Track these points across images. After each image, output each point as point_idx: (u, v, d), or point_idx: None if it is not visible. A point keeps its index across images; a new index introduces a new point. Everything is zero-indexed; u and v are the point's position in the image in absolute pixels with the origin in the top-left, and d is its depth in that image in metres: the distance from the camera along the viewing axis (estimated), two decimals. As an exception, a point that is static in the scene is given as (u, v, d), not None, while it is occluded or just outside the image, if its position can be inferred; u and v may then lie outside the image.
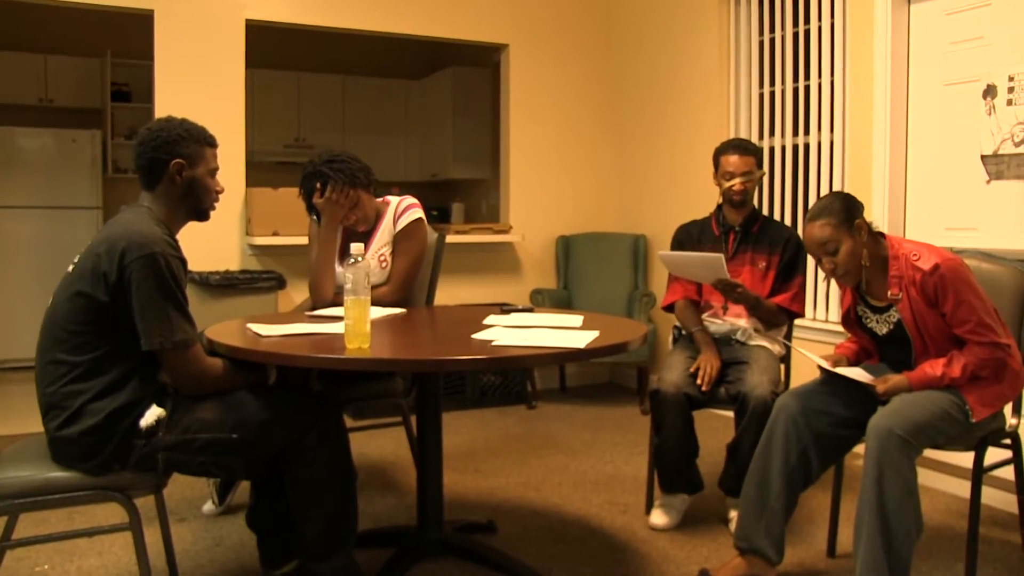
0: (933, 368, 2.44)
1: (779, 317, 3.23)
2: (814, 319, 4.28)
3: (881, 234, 2.58)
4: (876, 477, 2.27)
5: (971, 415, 2.40)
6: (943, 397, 2.40)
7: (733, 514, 3.09)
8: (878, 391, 2.47)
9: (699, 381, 3.06)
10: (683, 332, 3.38)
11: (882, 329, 2.62)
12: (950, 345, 2.47)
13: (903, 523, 2.25)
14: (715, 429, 3.12)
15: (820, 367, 2.65)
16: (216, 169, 2.39)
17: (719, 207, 3.36)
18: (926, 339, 2.50)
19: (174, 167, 2.28)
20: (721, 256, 2.96)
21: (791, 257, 3.26)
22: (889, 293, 2.51)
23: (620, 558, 2.89)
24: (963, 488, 3.26)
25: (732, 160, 3.24)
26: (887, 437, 2.27)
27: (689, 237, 3.40)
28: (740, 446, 2.97)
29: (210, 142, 2.37)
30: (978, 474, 2.48)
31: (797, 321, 3.54)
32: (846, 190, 4.10)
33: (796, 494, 2.57)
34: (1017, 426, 2.65)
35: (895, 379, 2.48)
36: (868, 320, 2.66)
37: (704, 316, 3.32)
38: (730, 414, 3.08)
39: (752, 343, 3.21)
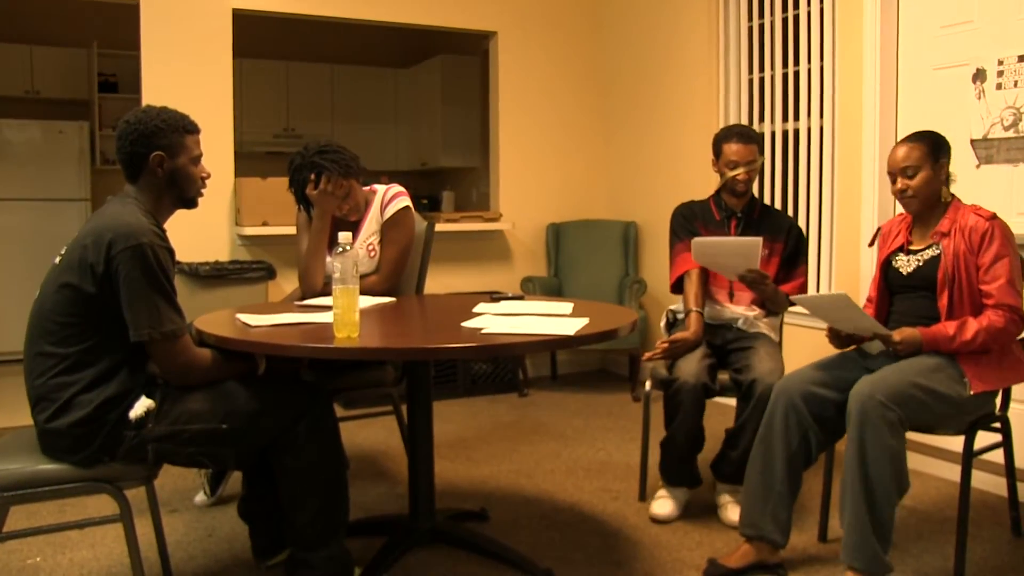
0: (946, 328, 2.47)
1: (786, 305, 3.22)
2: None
3: (953, 195, 2.64)
4: (857, 441, 2.31)
5: (969, 386, 2.42)
6: (937, 372, 2.42)
7: (723, 499, 3.10)
8: (894, 340, 2.49)
9: (652, 353, 3.05)
10: (677, 317, 3.35)
11: (910, 267, 2.63)
12: (971, 307, 2.50)
13: (883, 486, 2.29)
14: (705, 418, 3.13)
15: (830, 330, 2.67)
16: (199, 156, 2.36)
17: (718, 193, 3.31)
18: (954, 283, 2.50)
19: (154, 160, 2.26)
20: (759, 240, 2.86)
21: (794, 246, 3.24)
22: (939, 230, 2.56)
23: (612, 544, 2.90)
24: (953, 472, 3.28)
25: (735, 148, 3.16)
26: (867, 401, 2.31)
27: (692, 214, 3.32)
28: (743, 432, 2.94)
29: (190, 129, 2.33)
30: (968, 458, 2.50)
31: (796, 308, 3.52)
32: (837, 175, 4.11)
33: (799, 475, 2.59)
34: (1006, 411, 2.66)
35: (909, 331, 2.50)
36: (898, 261, 2.68)
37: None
38: (723, 402, 3.08)
39: (753, 330, 3.20)
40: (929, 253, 2.59)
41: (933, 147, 2.59)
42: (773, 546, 2.59)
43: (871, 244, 2.87)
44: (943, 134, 2.64)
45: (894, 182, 2.63)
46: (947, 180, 2.62)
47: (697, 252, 2.97)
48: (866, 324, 2.56)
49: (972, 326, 2.44)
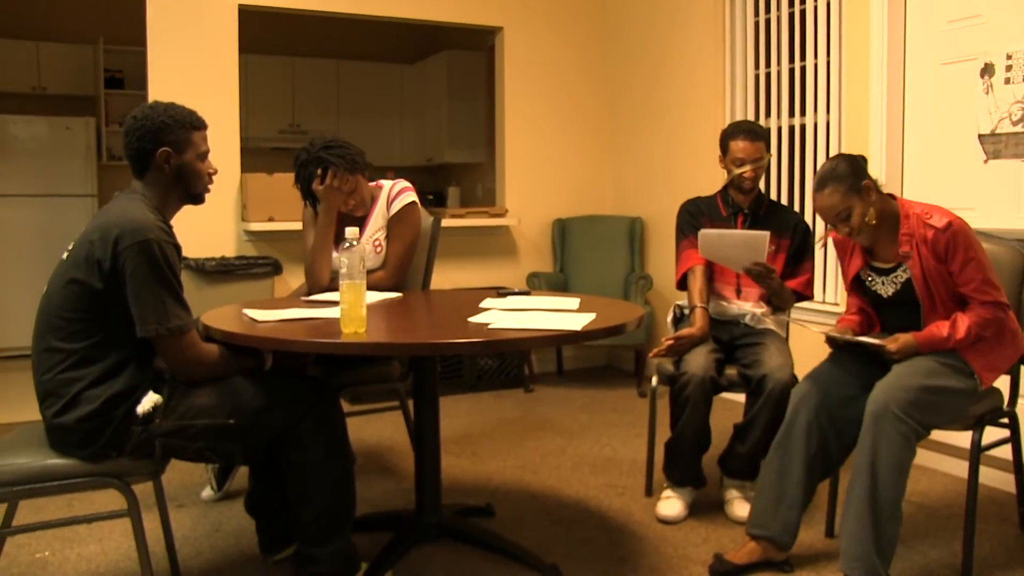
0: (939, 329, 2.45)
1: (791, 301, 3.21)
2: (823, 301, 4.26)
3: (891, 195, 2.58)
4: (870, 452, 2.29)
5: (980, 383, 2.42)
6: (946, 368, 2.41)
7: (730, 495, 3.09)
8: (889, 350, 2.47)
9: (659, 349, 3.04)
10: (684, 312, 3.34)
11: (888, 291, 2.60)
12: (956, 305, 2.48)
13: (892, 500, 2.27)
14: (711, 416, 3.13)
15: (828, 339, 2.65)
16: (206, 152, 2.36)
17: (725, 188, 3.30)
18: (935, 297, 2.49)
19: (161, 156, 2.26)
20: (767, 234, 2.86)
21: (800, 242, 3.23)
22: (900, 250, 2.51)
23: (618, 540, 2.90)
24: (960, 468, 3.27)
25: (742, 146, 3.15)
26: (883, 414, 2.29)
27: (699, 210, 3.31)
28: (752, 427, 2.94)
29: (197, 125, 2.33)
30: (976, 454, 2.48)
31: (802, 304, 3.52)
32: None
33: (815, 484, 2.58)
34: (1014, 406, 2.65)
35: (904, 338, 2.48)
36: (873, 283, 2.65)
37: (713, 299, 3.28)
38: (729, 399, 3.07)
39: (760, 327, 3.19)
40: (902, 276, 2.55)
41: (849, 179, 2.47)
42: (778, 547, 2.58)
43: (823, 245, 2.83)
44: (853, 154, 2.55)
45: (835, 228, 2.55)
46: (876, 188, 2.51)
47: (704, 244, 2.96)
48: (858, 339, 2.55)
49: (963, 323, 2.42)
